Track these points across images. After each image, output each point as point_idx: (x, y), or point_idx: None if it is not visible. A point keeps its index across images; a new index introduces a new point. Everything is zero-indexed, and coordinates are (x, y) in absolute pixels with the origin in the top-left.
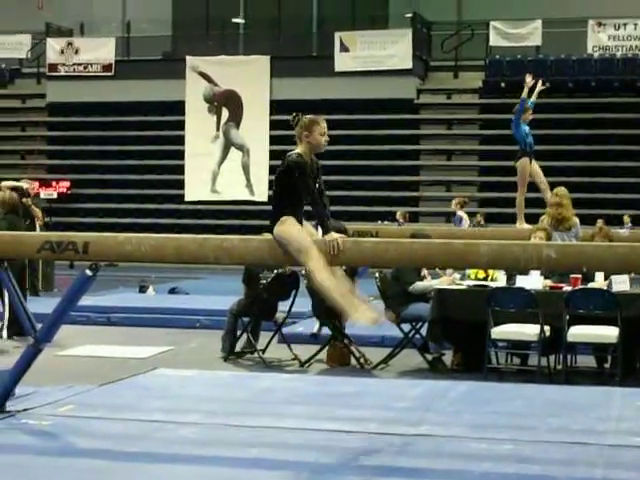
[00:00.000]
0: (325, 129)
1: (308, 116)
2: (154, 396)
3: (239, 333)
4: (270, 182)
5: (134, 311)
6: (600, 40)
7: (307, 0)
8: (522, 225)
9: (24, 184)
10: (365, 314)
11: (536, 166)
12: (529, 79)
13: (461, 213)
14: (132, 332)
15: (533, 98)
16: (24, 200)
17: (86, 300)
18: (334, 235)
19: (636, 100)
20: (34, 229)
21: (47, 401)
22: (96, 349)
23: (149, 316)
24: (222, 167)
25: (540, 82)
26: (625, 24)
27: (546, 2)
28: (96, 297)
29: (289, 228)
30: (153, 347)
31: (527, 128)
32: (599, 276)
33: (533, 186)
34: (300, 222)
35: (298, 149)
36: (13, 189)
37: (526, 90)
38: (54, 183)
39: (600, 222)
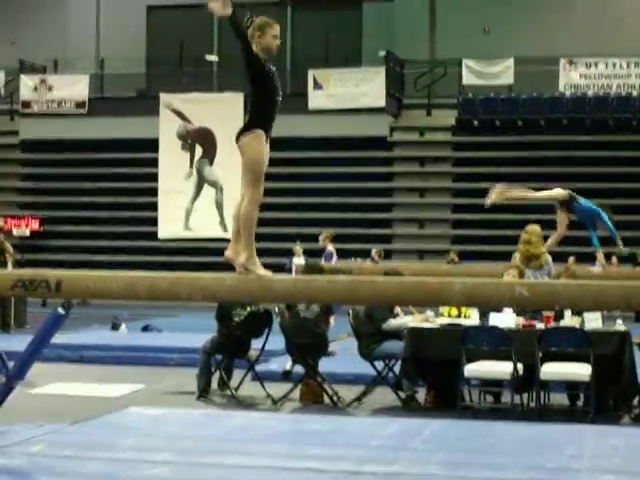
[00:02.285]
0: (277, 33)
1: (262, 17)
2: (126, 435)
3: (213, 371)
4: None
5: (107, 349)
6: (571, 78)
7: (281, 37)
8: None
9: None
10: (258, 266)
11: (566, 219)
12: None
13: (331, 248)
14: (105, 370)
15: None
16: None
17: (59, 338)
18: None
19: (607, 138)
20: (5, 264)
21: (19, 439)
22: (68, 387)
23: (122, 354)
24: (195, 204)
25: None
26: (596, 62)
27: (518, 41)
28: (69, 335)
29: (259, 150)
30: (126, 385)
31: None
32: (567, 313)
33: (504, 224)
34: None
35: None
36: None
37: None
38: (26, 220)
39: (571, 260)
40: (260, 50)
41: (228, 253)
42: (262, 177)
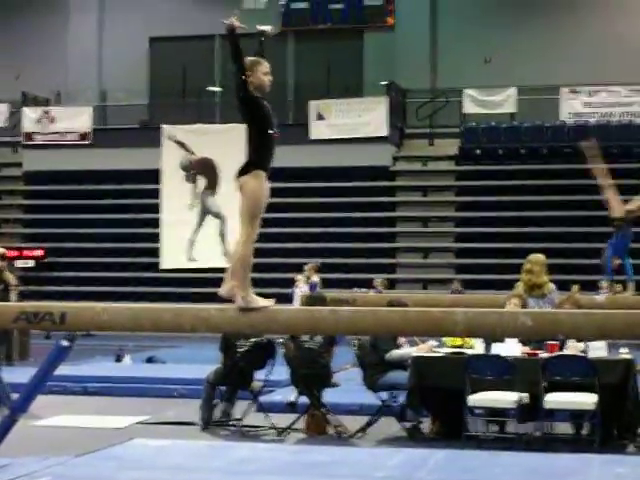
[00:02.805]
0: (268, 69)
1: (248, 57)
2: (131, 467)
3: (216, 402)
4: None
5: (111, 380)
6: (574, 107)
7: (283, 68)
8: None
9: None
10: (256, 301)
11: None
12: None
13: (315, 279)
14: (109, 402)
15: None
16: None
17: (62, 369)
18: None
19: (610, 166)
20: (8, 295)
21: (23, 472)
22: (72, 419)
23: (126, 385)
24: (198, 235)
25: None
26: (598, 91)
27: (519, 70)
28: (72, 366)
29: (258, 190)
30: (130, 417)
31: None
32: (571, 342)
33: (508, 253)
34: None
35: None
36: None
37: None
38: (29, 252)
39: (575, 288)
40: (253, 89)
41: (223, 290)
42: (259, 217)
